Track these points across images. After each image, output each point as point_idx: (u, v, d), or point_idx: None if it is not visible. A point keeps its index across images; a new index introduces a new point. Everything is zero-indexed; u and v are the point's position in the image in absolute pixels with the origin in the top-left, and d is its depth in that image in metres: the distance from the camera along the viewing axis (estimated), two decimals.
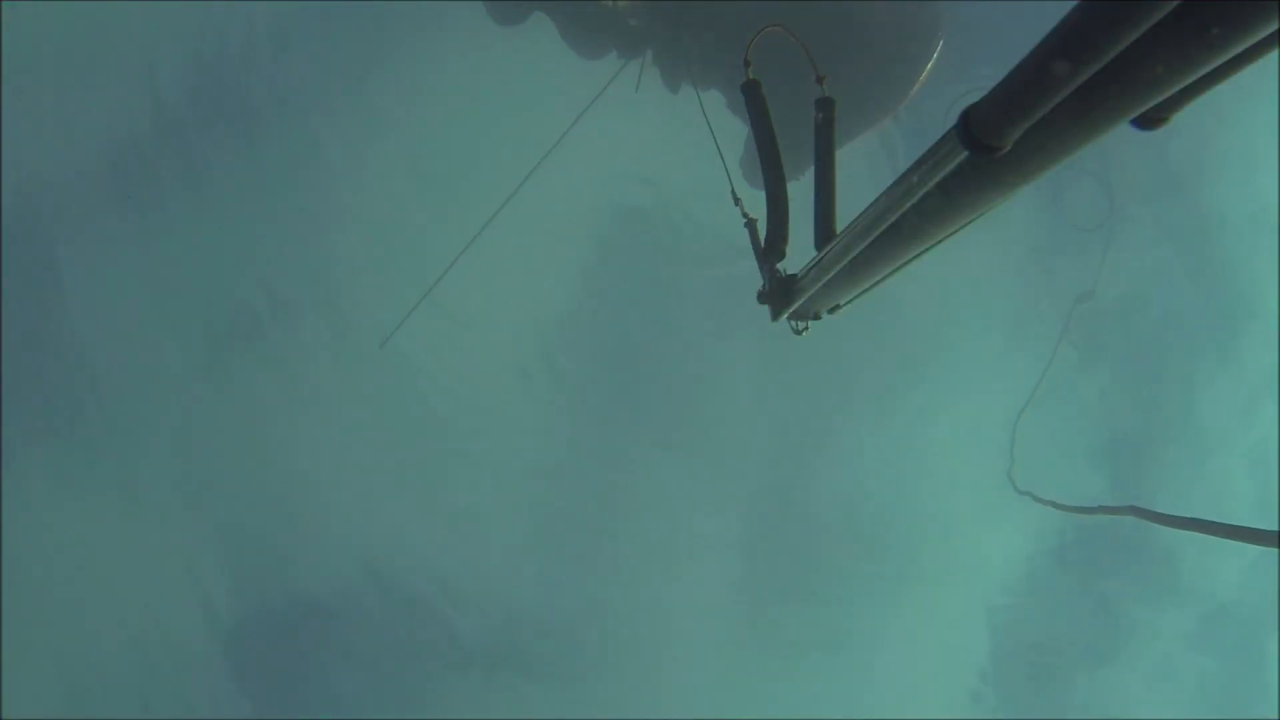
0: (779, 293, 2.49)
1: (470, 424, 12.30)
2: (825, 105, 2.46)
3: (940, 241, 1.77)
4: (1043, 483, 7.79)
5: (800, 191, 2.54)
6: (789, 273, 2.51)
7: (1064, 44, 1.10)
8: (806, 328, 2.62)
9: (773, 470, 12.42)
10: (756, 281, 2.57)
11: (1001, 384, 11.15)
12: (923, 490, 12.30)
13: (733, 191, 3.14)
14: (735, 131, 5.91)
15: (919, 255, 1.85)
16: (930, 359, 11.55)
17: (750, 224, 2.90)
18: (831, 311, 2.53)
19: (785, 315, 2.51)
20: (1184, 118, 1.25)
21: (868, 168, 8.05)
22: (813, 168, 2.47)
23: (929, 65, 6.98)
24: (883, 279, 2.07)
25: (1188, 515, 2.69)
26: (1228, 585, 12.00)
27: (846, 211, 2.15)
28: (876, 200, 1.72)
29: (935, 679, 13.17)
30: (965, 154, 1.37)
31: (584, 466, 12.53)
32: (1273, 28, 0.95)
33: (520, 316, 11.86)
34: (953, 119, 1.37)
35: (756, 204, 2.79)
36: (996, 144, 1.30)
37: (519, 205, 8.34)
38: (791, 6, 4.61)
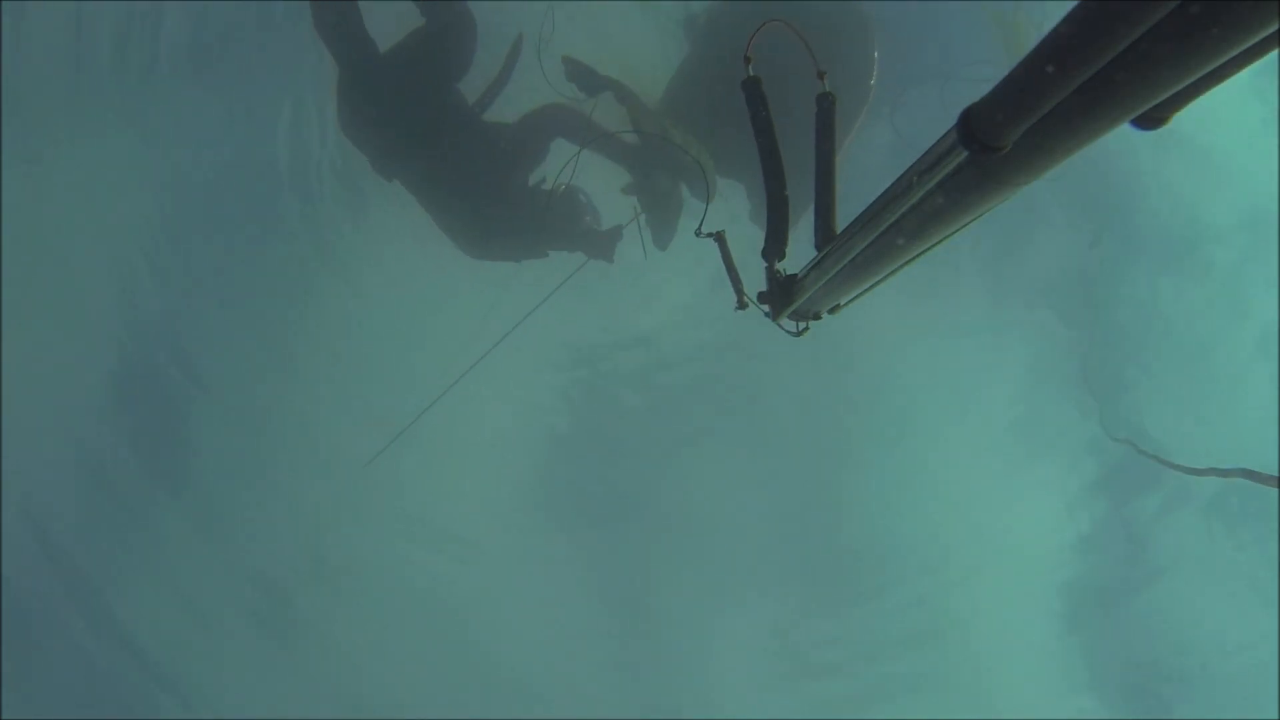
0: (779, 293, 2.49)
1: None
2: (825, 102, 2.42)
3: (941, 241, 1.77)
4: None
5: (800, 191, 2.53)
6: (789, 273, 2.51)
7: (1064, 44, 1.11)
8: (806, 328, 2.62)
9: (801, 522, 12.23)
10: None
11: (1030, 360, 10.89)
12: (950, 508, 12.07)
13: (701, 223, 3.12)
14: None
15: (919, 255, 1.85)
16: (945, 354, 11.30)
17: (719, 236, 2.85)
18: (832, 311, 2.53)
19: (785, 315, 2.51)
20: (1181, 118, 1.26)
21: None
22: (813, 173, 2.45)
23: (872, 81, 6.71)
24: (883, 279, 2.07)
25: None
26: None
27: (847, 211, 2.14)
28: (876, 200, 1.72)
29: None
30: (965, 154, 1.37)
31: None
32: (1273, 28, 0.95)
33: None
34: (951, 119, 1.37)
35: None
36: (996, 144, 1.31)
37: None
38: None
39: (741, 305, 2.73)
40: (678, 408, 11.28)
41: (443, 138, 6.32)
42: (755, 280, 2.67)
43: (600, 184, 6.93)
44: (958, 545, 12.07)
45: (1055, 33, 1.11)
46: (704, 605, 12.35)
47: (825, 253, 2.15)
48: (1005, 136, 1.28)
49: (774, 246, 2.53)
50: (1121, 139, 1.37)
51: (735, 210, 7.02)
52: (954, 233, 1.70)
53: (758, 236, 2.56)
